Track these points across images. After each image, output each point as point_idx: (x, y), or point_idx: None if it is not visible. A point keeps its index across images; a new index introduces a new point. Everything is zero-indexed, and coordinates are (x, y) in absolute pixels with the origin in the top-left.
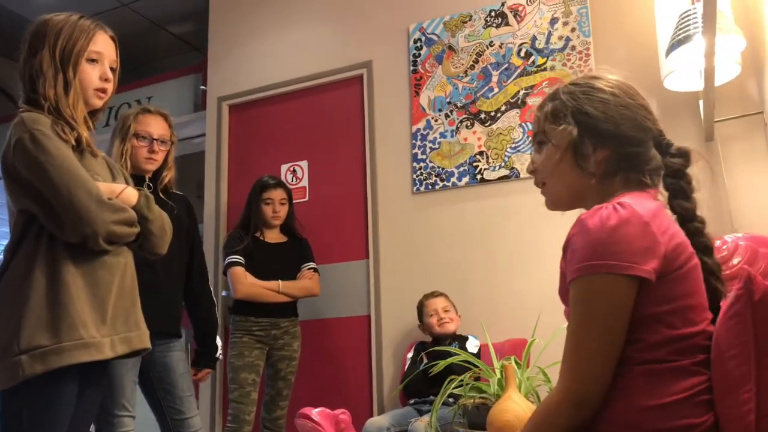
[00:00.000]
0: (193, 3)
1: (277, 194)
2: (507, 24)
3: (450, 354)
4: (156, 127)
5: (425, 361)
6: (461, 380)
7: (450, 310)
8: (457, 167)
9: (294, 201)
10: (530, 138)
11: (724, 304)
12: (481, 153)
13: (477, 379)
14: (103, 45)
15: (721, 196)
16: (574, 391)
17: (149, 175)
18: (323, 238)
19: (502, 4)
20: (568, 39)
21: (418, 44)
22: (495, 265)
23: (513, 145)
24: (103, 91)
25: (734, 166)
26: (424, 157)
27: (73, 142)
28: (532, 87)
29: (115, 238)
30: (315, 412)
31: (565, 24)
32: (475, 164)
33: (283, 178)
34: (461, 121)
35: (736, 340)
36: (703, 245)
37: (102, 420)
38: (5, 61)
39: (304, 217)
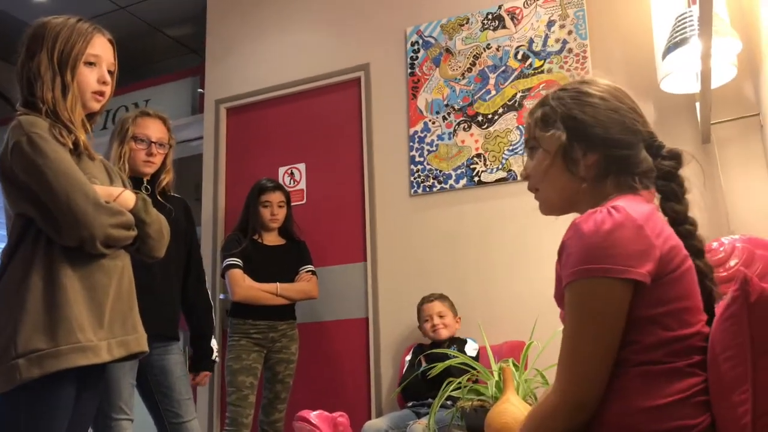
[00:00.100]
0: (191, 6)
1: (276, 197)
2: (504, 27)
3: (448, 357)
4: (154, 130)
5: (423, 363)
6: (459, 383)
7: (445, 315)
8: (455, 169)
9: (292, 204)
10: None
11: (721, 306)
12: (478, 155)
13: (475, 381)
14: (101, 48)
15: (717, 198)
16: (571, 394)
17: (147, 178)
18: (321, 241)
19: (499, 7)
20: (565, 42)
21: (416, 47)
22: (493, 267)
23: (510, 148)
24: (101, 94)
25: (731, 169)
26: (421, 159)
27: (71, 145)
28: (529, 89)
29: (112, 242)
30: (313, 415)
31: (562, 27)
32: (472, 166)
33: (280, 180)
34: (458, 124)
35: (732, 342)
36: (694, 248)
37: (100, 423)
38: (3, 64)
39: (301, 219)
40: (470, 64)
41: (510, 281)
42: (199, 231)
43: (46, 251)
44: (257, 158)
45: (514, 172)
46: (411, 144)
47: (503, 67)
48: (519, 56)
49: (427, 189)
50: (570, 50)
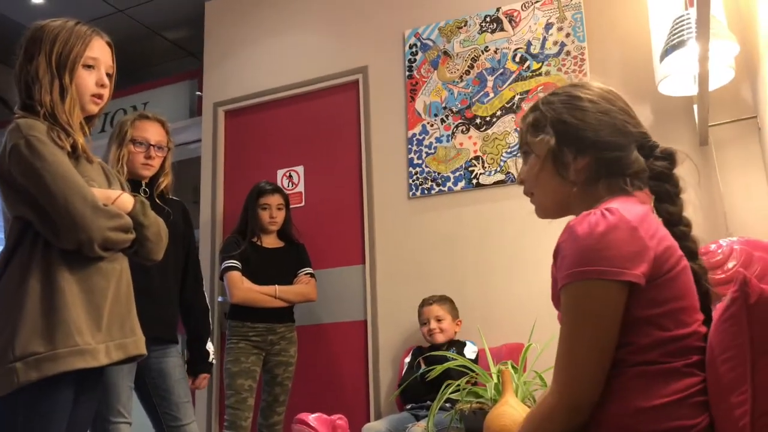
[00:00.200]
0: (189, 9)
1: (274, 200)
2: (502, 29)
3: (447, 359)
4: (153, 133)
5: (422, 366)
6: (458, 385)
7: (444, 319)
8: (453, 172)
9: (290, 206)
10: None
11: (720, 307)
12: (476, 158)
13: (474, 383)
14: (100, 51)
15: (715, 200)
16: (568, 396)
17: (146, 181)
18: (320, 243)
19: (497, 10)
20: (562, 44)
21: (414, 50)
22: (491, 270)
23: (508, 150)
24: (100, 96)
25: (728, 171)
26: (420, 162)
27: (69, 149)
28: (527, 92)
29: (110, 245)
30: (312, 418)
31: (560, 29)
32: (470, 169)
33: (279, 183)
34: (457, 126)
35: (732, 343)
36: (688, 250)
37: (98, 426)
38: (1, 67)
39: (300, 222)
40: (468, 66)
41: (509, 283)
42: (198, 234)
43: (43, 254)
44: (256, 161)
45: (512, 174)
46: (409, 146)
47: (501, 70)
48: (517, 59)
49: (426, 191)
50: (568, 53)
